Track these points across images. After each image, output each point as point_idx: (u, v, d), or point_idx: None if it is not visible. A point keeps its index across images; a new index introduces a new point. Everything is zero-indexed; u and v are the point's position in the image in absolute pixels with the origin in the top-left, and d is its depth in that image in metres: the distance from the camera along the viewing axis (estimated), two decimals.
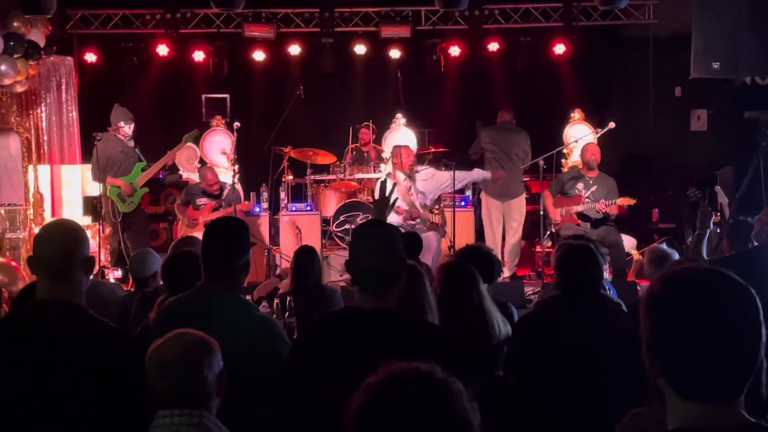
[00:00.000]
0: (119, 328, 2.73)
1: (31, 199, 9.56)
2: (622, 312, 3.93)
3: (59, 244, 2.63)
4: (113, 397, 2.51)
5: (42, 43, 9.26)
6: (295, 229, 9.25)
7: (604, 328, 3.49)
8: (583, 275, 3.61)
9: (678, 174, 11.06)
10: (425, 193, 8.81)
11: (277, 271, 9.03)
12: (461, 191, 9.65)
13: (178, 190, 9.88)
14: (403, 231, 6.89)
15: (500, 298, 4.19)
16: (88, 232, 9.11)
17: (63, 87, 10.23)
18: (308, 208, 9.60)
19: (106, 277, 8.20)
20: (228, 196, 9.00)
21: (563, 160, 10.28)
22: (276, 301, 4.96)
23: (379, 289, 2.69)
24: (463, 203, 9.66)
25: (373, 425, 1.52)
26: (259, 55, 11.53)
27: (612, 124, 9.35)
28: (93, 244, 8.87)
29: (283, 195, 9.76)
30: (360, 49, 11.55)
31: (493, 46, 11.41)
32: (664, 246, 5.91)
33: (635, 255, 8.95)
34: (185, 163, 10.48)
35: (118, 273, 8.51)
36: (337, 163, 10.04)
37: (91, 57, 11.28)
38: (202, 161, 10.46)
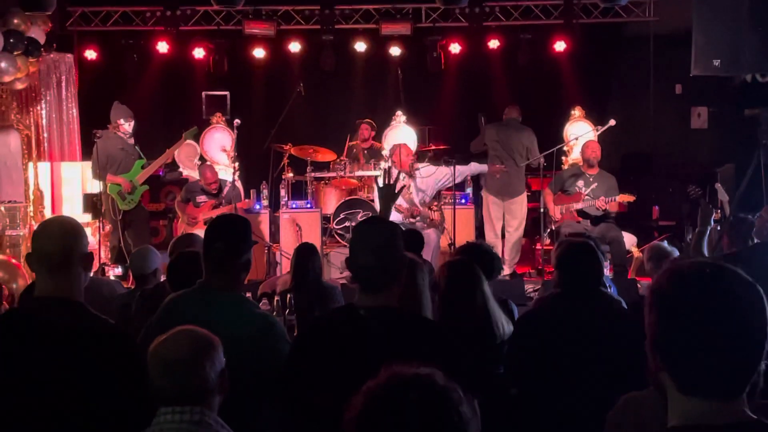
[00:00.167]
0: (118, 325, 2.73)
1: (31, 197, 9.56)
2: (623, 309, 3.93)
3: (57, 241, 2.63)
4: (112, 394, 2.51)
5: (42, 40, 9.25)
6: (296, 226, 9.25)
7: (604, 325, 3.49)
8: (583, 272, 3.60)
9: (678, 171, 11.06)
10: (425, 190, 8.81)
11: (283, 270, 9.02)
12: (461, 189, 9.65)
13: (178, 187, 9.88)
14: (404, 228, 6.93)
15: (501, 296, 4.20)
16: (88, 230, 9.18)
17: (63, 84, 10.22)
18: (308, 206, 9.60)
19: (107, 275, 8.20)
20: (228, 194, 8.99)
21: (563, 158, 10.27)
22: (276, 298, 4.96)
23: (379, 286, 2.68)
24: (463, 200, 9.66)
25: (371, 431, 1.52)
26: (259, 53, 11.52)
27: (612, 122, 9.35)
28: (93, 241, 8.87)
29: (283, 192, 9.76)
30: (360, 46, 11.54)
31: (494, 44, 11.41)
32: (664, 243, 5.91)
33: (635, 252, 8.95)
34: (185, 160, 10.48)
35: (119, 270, 8.51)
36: (338, 160, 10.04)
37: (91, 54, 11.28)
38: (202, 158, 10.46)
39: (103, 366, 2.52)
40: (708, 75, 8.65)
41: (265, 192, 9.70)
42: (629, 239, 8.94)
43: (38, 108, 10.01)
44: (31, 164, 9.71)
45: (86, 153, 9.68)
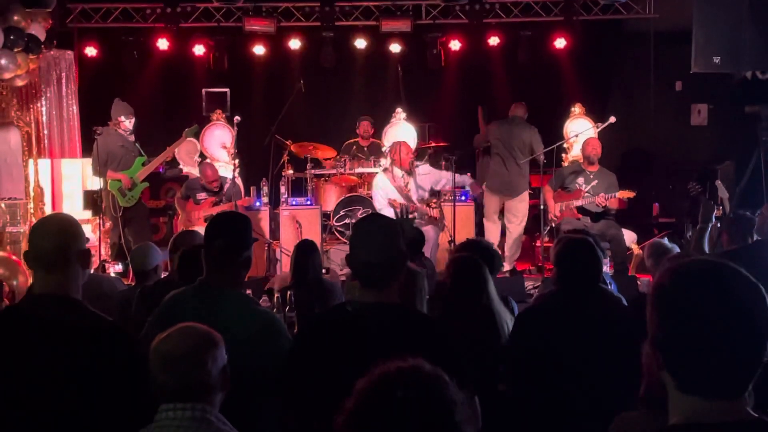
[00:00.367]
0: (116, 322, 2.72)
1: (32, 193, 9.56)
2: (622, 306, 3.93)
3: (53, 239, 2.62)
4: (111, 391, 2.51)
5: (42, 37, 9.25)
6: (296, 223, 9.25)
7: (603, 322, 3.49)
8: (581, 269, 3.60)
9: (678, 169, 11.06)
10: (424, 187, 8.81)
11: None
12: (461, 186, 9.67)
13: (179, 184, 9.88)
14: (413, 226, 6.93)
15: (501, 293, 4.20)
16: (89, 227, 9.19)
17: (63, 81, 10.22)
18: (308, 203, 9.60)
19: (107, 272, 8.21)
20: (228, 191, 8.99)
21: (563, 155, 10.27)
22: (276, 295, 4.97)
23: (379, 283, 2.69)
24: (463, 198, 9.66)
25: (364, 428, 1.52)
26: (259, 50, 11.51)
27: (612, 119, 9.34)
28: (93, 238, 8.88)
29: (283, 189, 9.77)
30: (360, 43, 11.54)
31: (494, 41, 11.41)
32: (665, 240, 5.91)
33: (636, 249, 8.95)
34: (185, 157, 10.47)
35: (119, 267, 8.51)
36: (337, 157, 10.05)
37: (91, 51, 11.27)
38: (202, 155, 10.46)
39: (101, 363, 2.51)
40: (708, 72, 8.65)
41: (265, 189, 9.70)
42: (629, 236, 8.94)
43: (38, 105, 10.01)
44: (31, 161, 9.71)
45: (86, 150, 9.68)
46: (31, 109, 9.95)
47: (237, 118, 9.38)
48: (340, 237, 9.41)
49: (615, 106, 10.71)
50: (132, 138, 9.09)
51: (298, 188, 10.15)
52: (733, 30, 8.25)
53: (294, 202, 9.61)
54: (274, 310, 4.70)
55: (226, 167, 9.67)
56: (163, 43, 11.16)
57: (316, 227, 9.29)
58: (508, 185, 9.33)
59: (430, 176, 8.89)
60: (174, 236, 5.43)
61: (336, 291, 5.35)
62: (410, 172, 8.70)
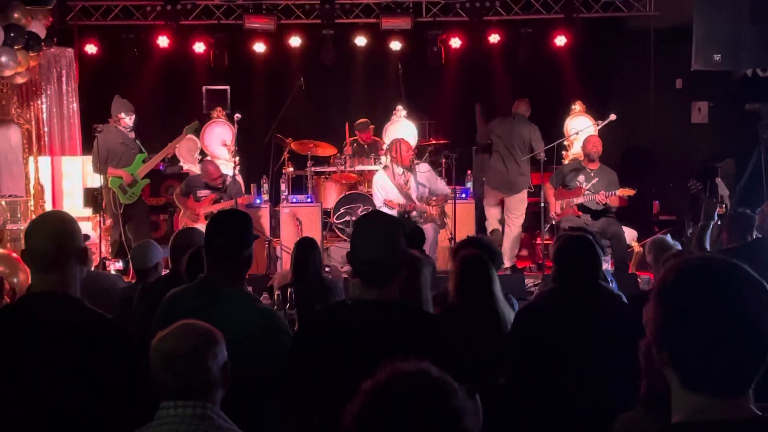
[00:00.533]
0: (115, 319, 2.72)
1: (32, 191, 9.56)
2: (622, 303, 3.93)
3: (49, 239, 2.61)
4: (110, 389, 2.51)
5: (42, 34, 9.24)
6: (296, 221, 9.25)
7: (602, 319, 3.49)
8: (580, 266, 3.60)
9: (679, 166, 11.05)
10: (424, 184, 8.81)
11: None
12: (462, 183, 9.68)
13: (179, 181, 9.88)
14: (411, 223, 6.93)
15: (502, 291, 4.21)
16: (89, 224, 9.19)
17: (63, 78, 10.22)
18: (309, 200, 9.60)
19: (108, 269, 8.21)
20: (229, 189, 8.99)
21: (564, 152, 10.27)
22: (277, 292, 4.97)
23: (380, 280, 2.69)
24: (464, 195, 9.67)
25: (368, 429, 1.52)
26: (259, 47, 11.51)
27: (613, 116, 9.34)
28: (94, 235, 8.88)
29: (283, 187, 9.77)
30: (361, 40, 11.53)
31: (494, 38, 11.40)
32: (667, 237, 5.91)
33: (636, 247, 8.95)
34: (186, 154, 10.47)
35: (119, 264, 8.52)
36: (338, 154, 10.05)
37: (91, 48, 11.27)
38: (202, 153, 10.46)
39: (101, 361, 2.51)
40: (708, 69, 8.65)
41: (266, 186, 9.70)
42: (630, 234, 8.94)
43: (39, 102, 10.01)
44: (31, 158, 9.71)
45: (87, 147, 9.68)
46: (32, 107, 9.95)
47: (237, 115, 9.38)
48: (341, 234, 9.41)
49: (615, 104, 10.70)
50: (132, 135, 9.09)
51: (298, 186, 10.15)
52: (734, 27, 8.25)
53: (294, 200, 9.61)
54: (275, 307, 4.71)
55: (227, 165, 9.66)
56: (163, 41, 11.16)
57: (316, 225, 9.29)
58: (507, 183, 9.33)
59: (429, 174, 8.88)
60: (174, 234, 5.43)
61: (336, 288, 5.35)
62: (410, 169, 8.70)
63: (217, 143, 10.34)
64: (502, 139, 9.34)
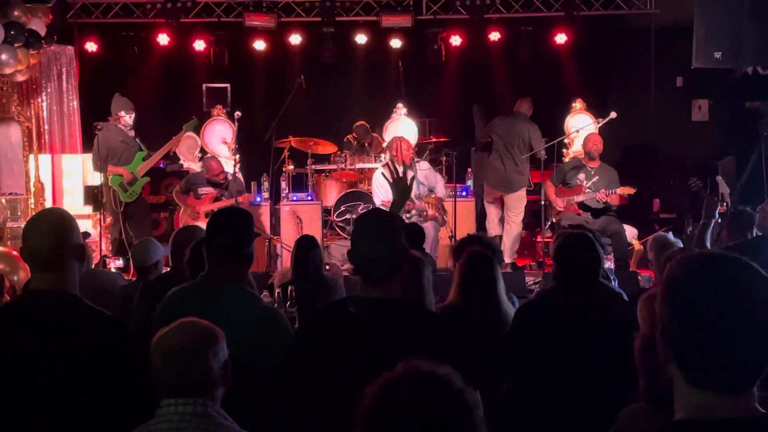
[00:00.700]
0: (114, 316, 2.71)
1: (32, 189, 9.57)
2: (622, 301, 3.93)
3: (46, 239, 2.60)
4: (110, 386, 2.50)
5: (43, 32, 9.24)
6: (296, 218, 9.25)
7: (602, 317, 3.49)
8: (580, 264, 3.59)
9: (679, 164, 11.06)
10: (424, 183, 8.81)
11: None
12: (462, 181, 9.68)
13: (179, 179, 9.88)
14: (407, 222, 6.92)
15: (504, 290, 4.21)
16: (89, 222, 9.19)
17: (64, 76, 10.23)
18: (309, 198, 9.60)
19: (108, 267, 8.21)
20: (230, 187, 8.99)
21: (564, 150, 10.27)
22: (277, 290, 4.97)
23: (381, 278, 2.69)
24: (464, 193, 9.67)
25: (382, 424, 1.52)
26: (259, 45, 11.51)
27: (613, 114, 9.33)
28: (94, 233, 8.88)
29: (284, 185, 9.77)
30: (361, 38, 11.53)
31: (495, 36, 11.40)
32: (669, 234, 5.91)
33: (636, 245, 8.95)
34: (186, 152, 10.47)
35: (120, 262, 8.52)
36: (338, 152, 10.05)
37: (91, 46, 11.27)
38: (202, 151, 10.46)
39: (99, 357, 2.50)
40: (709, 67, 8.65)
41: (266, 184, 9.70)
42: (630, 232, 8.94)
43: (39, 100, 10.01)
44: (32, 156, 9.71)
45: (87, 145, 9.68)
46: (32, 105, 9.96)
47: (237, 113, 9.38)
48: (341, 232, 9.41)
49: (616, 102, 10.70)
50: (132, 133, 9.09)
51: (298, 184, 10.15)
52: (734, 25, 8.25)
53: (295, 198, 9.61)
54: (275, 305, 4.71)
55: (227, 163, 9.67)
56: (163, 39, 11.16)
57: (316, 223, 9.29)
58: (505, 181, 9.33)
59: (428, 173, 8.88)
60: (175, 231, 5.43)
61: (337, 286, 5.35)
62: (411, 167, 8.69)
63: (218, 141, 10.34)
64: (502, 137, 9.33)
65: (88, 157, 9.37)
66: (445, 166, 9.84)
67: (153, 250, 5.41)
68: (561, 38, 11.30)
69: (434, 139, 10.70)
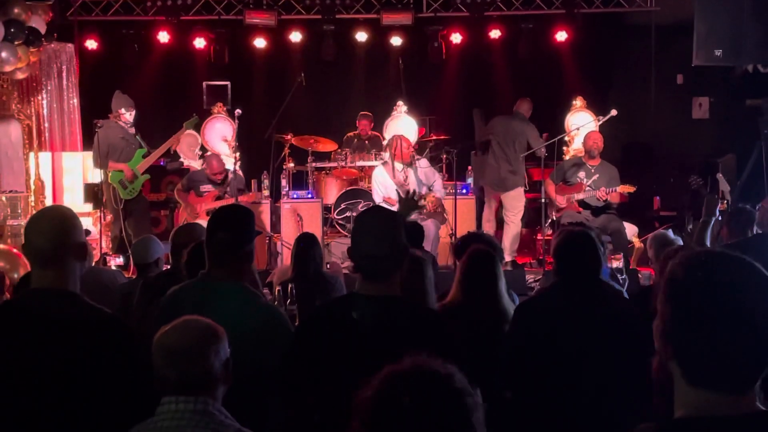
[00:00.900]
0: (114, 314, 2.71)
1: (33, 186, 9.57)
2: (622, 299, 3.93)
3: (48, 234, 2.60)
4: (110, 384, 2.50)
5: (43, 29, 9.24)
6: (297, 216, 9.25)
7: (603, 314, 3.48)
8: (580, 262, 3.59)
9: (679, 162, 11.05)
10: (423, 181, 8.81)
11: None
12: (462, 179, 9.68)
13: (179, 177, 9.88)
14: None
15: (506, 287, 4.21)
16: (90, 220, 9.19)
17: (64, 74, 10.23)
18: (309, 196, 9.60)
19: (108, 265, 8.20)
20: (231, 185, 8.99)
21: (565, 148, 10.26)
22: (277, 288, 4.97)
23: (381, 275, 2.69)
24: (464, 191, 9.67)
25: (382, 418, 1.52)
26: (260, 42, 11.51)
27: (614, 112, 9.33)
28: (94, 231, 8.88)
29: (284, 182, 9.76)
30: (361, 36, 11.53)
31: (495, 33, 11.40)
32: (669, 232, 5.91)
33: (636, 243, 8.95)
34: (186, 150, 10.47)
35: (120, 260, 8.50)
36: (339, 150, 10.05)
37: (92, 44, 11.27)
38: (203, 148, 10.45)
39: (99, 355, 2.50)
40: (709, 65, 8.64)
41: (266, 182, 9.70)
42: (630, 229, 8.94)
43: (39, 98, 10.01)
44: (32, 154, 9.71)
45: (87, 143, 9.68)
46: (32, 102, 9.95)
47: (238, 111, 9.38)
48: (341, 230, 9.41)
49: (616, 99, 10.70)
50: (132, 131, 9.09)
51: (299, 181, 10.15)
52: (735, 23, 8.24)
53: (295, 196, 9.60)
54: (275, 303, 4.71)
55: (227, 160, 9.66)
56: (163, 36, 11.16)
57: (317, 220, 9.29)
58: (499, 181, 9.32)
59: (428, 170, 8.88)
60: (175, 229, 5.43)
61: (337, 284, 5.34)
62: (411, 165, 8.69)
63: (218, 139, 10.34)
64: (498, 137, 9.33)
65: (89, 155, 9.37)
66: (445, 164, 9.84)
67: (153, 248, 5.41)
68: (561, 36, 11.30)
69: (434, 137, 10.70)
